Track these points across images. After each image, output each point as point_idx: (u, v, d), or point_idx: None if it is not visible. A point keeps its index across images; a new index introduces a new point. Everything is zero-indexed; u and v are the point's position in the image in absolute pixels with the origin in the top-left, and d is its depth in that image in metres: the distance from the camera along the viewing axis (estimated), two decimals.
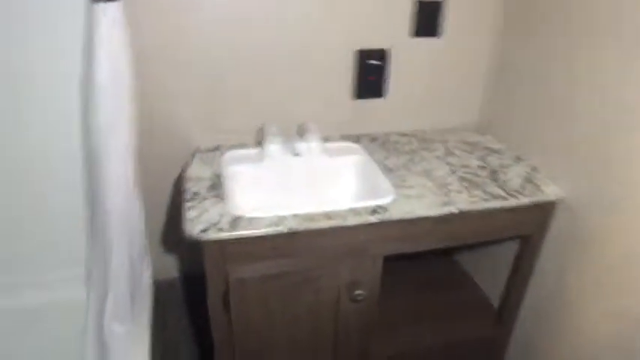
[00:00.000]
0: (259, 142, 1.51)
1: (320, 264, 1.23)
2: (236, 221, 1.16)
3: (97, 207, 1.35)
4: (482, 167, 1.44)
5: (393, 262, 1.74)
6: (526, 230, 1.39)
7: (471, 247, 1.79)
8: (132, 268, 1.41)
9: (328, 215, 1.18)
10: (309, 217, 1.17)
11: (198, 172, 1.37)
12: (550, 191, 1.32)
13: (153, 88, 1.39)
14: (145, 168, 1.41)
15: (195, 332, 1.76)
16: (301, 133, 1.50)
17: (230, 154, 1.46)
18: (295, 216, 1.18)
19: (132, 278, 1.41)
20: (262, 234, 1.14)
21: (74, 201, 1.49)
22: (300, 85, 1.49)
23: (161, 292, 1.65)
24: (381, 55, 1.51)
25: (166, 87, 1.41)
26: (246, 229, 1.13)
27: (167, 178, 1.53)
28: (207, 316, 1.27)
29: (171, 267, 1.72)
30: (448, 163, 1.45)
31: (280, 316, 1.29)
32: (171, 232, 1.63)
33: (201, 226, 1.14)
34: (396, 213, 1.20)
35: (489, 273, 1.69)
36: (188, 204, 1.23)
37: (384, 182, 1.32)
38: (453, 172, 1.40)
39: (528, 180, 1.37)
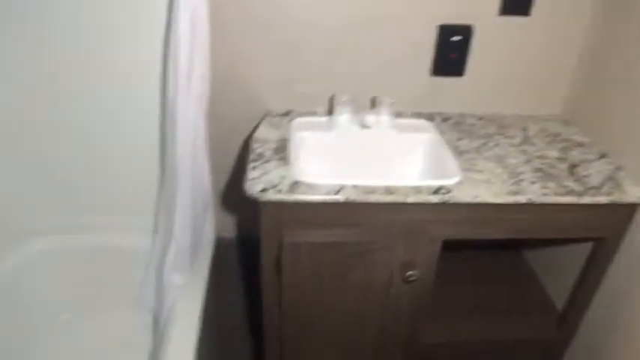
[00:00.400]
0: (330, 111, 1.50)
1: (375, 239, 1.21)
2: (296, 185, 1.16)
3: (166, 160, 1.39)
4: (562, 159, 1.34)
5: (456, 251, 1.71)
6: (601, 232, 1.29)
7: (540, 244, 1.70)
8: (195, 222, 1.45)
9: (389, 190, 1.15)
10: (369, 190, 1.15)
11: (265, 135, 1.38)
12: (633, 192, 1.22)
13: (231, 48, 1.41)
14: (215, 126, 1.45)
15: (247, 293, 1.80)
16: (373, 105, 1.47)
17: (299, 120, 1.45)
18: (355, 187, 1.16)
19: (194, 232, 1.46)
20: (320, 200, 1.13)
21: (150, 153, 1.55)
22: (377, 56, 1.46)
23: (220, 250, 1.70)
24: (464, 31, 1.44)
25: (244, 49, 1.42)
26: (305, 194, 1.13)
27: (236, 139, 1.55)
28: (260, 278, 1.30)
29: (232, 226, 1.76)
30: (524, 152, 1.37)
31: (330, 287, 1.29)
32: (234, 192, 1.66)
33: (261, 186, 1.15)
34: (460, 196, 1.15)
35: (557, 274, 1.60)
36: (252, 164, 1.24)
37: (451, 163, 1.27)
38: (528, 161, 1.32)
39: (610, 178, 1.27)
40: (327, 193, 1.14)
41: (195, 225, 1.46)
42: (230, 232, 1.76)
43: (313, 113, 1.50)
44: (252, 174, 1.20)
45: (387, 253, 1.22)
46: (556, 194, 1.18)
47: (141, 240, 1.65)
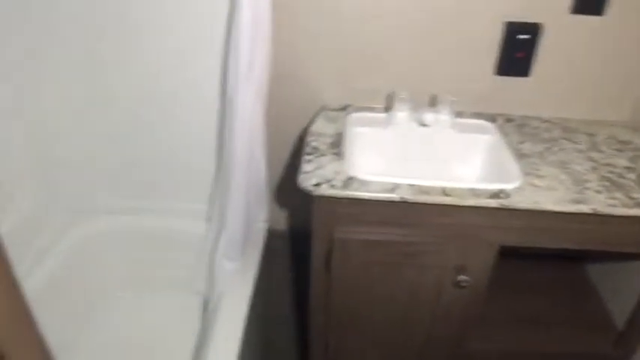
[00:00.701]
0: (388, 107, 1.47)
1: (428, 240, 1.19)
2: (350, 181, 1.14)
3: (223, 149, 1.41)
4: (631, 169, 1.27)
5: (513, 258, 1.65)
6: None
7: (604, 257, 1.62)
8: (248, 211, 1.46)
9: (445, 191, 1.13)
10: (425, 190, 1.13)
11: (321, 129, 1.38)
12: None
13: (290, 40, 1.41)
14: (272, 118, 1.45)
15: (295, 285, 1.80)
16: (433, 103, 1.44)
17: (356, 115, 1.44)
18: (411, 186, 1.14)
19: (247, 221, 1.47)
20: (373, 198, 1.12)
21: (211, 142, 1.57)
22: (439, 53, 1.42)
23: (271, 240, 1.71)
24: (533, 30, 1.38)
25: (303, 41, 1.41)
26: (358, 191, 1.12)
27: (292, 131, 1.56)
28: (308, 272, 1.29)
29: (283, 218, 1.76)
30: (590, 159, 1.30)
31: (379, 287, 1.27)
32: (288, 184, 1.67)
33: (314, 180, 1.14)
34: (520, 201, 1.11)
35: (619, 290, 1.51)
36: (306, 157, 1.24)
37: (512, 167, 1.23)
38: (595, 169, 1.26)
39: None
40: (382, 191, 1.12)
41: (248, 215, 1.48)
42: (281, 223, 1.77)
43: (371, 109, 1.48)
44: (306, 167, 1.20)
45: (440, 255, 1.20)
46: (624, 206, 1.12)
47: (198, 225, 1.68)
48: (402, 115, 1.38)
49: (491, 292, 1.29)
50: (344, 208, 1.16)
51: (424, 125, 1.37)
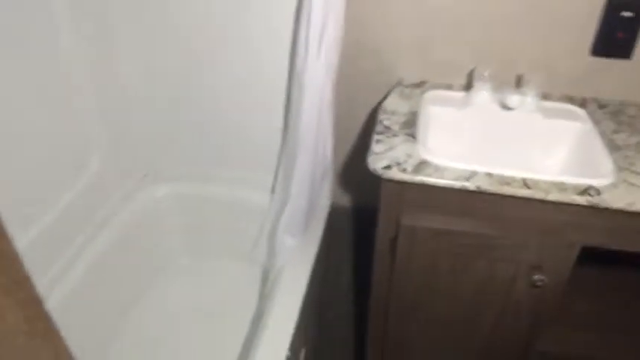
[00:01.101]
0: (468, 86, 1.37)
1: (504, 234, 1.10)
2: (422, 165, 1.07)
3: (290, 121, 1.37)
4: None
5: (597, 260, 1.51)
6: None
7: None
8: (312, 186, 1.42)
9: (527, 183, 1.03)
10: (504, 181, 1.04)
11: (395, 106, 1.30)
12: None
13: (365, 10, 1.32)
14: (343, 92, 1.39)
15: (357, 264, 1.77)
16: (518, 84, 1.32)
17: (433, 93, 1.35)
18: (488, 175, 1.05)
19: (310, 197, 1.44)
20: (447, 185, 1.04)
21: (279, 114, 1.53)
22: (529, 27, 1.29)
23: (334, 217, 1.67)
24: (638, 6, 1.23)
25: (379, 10, 1.33)
26: (431, 177, 1.05)
27: (363, 107, 1.49)
28: (371, 254, 1.25)
29: (348, 195, 1.71)
30: None
31: (444, 278, 1.20)
32: (355, 161, 1.61)
33: (384, 162, 1.08)
34: (612, 200, 1.00)
35: None
36: (377, 136, 1.17)
37: (605, 160, 1.11)
38: None
39: None
40: (457, 179, 1.04)
41: (313, 190, 1.44)
42: (346, 200, 1.72)
43: (449, 86, 1.38)
44: (376, 148, 1.13)
45: (515, 252, 1.11)
46: None
47: (263, 196, 1.66)
48: (483, 95, 1.27)
49: (566, 293, 1.19)
50: (414, 194, 1.09)
51: (507, 108, 1.26)
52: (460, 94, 1.34)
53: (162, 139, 1.66)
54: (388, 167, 1.07)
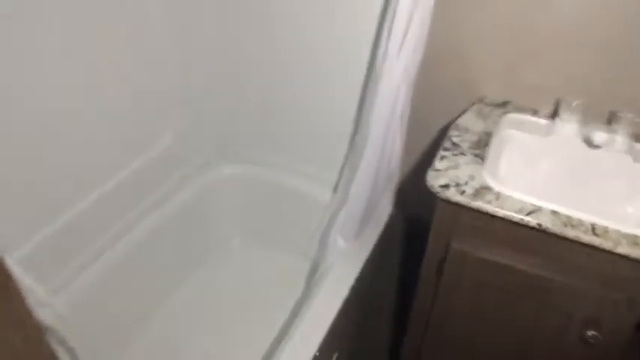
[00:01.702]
0: (554, 115, 1.26)
1: (560, 279, 1.01)
2: (483, 190, 1.01)
3: (361, 122, 1.34)
4: None
5: None
6: None
7: None
8: (372, 194, 1.39)
9: (595, 230, 0.94)
10: (570, 222, 0.95)
11: (469, 123, 1.23)
12: None
13: (452, 20, 1.26)
14: (420, 102, 1.34)
15: (404, 279, 1.71)
16: (609, 121, 1.21)
17: (513, 116, 1.26)
18: (554, 213, 0.97)
19: (368, 203, 1.41)
20: (505, 217, 0.97)
21: (351, 114, 1.51)
22: (632, 58, 1.16)
23: (394, 226, 1.62)
24: None
25: (467, 22, 1.26)
26: (489, 204, 0.98)
27: (439, 120, 1.42)
28: (418, 271, 1.20)
29: (408, 205, 1.65)
30: None
31: (488, 313, 1.13)
32: (419, 173, 1.55)
33: (443, 181, 1.03)
34: None
35: None
36: (442, 152, 1.12)
37: None
38: None
39: None
40: (518, 211, 0.97)
41: (372, 196, 1.40)
42: (404, 210, 1.66)
43: (533, 111, 1.28)
44: (438, 164, 1.08)
45: (570, 300, 1.02)
46: None
47: (324, 193, 1.65)
48: (568, 126, 1.18)
49: (623, 355, 1.07)
50: (469, 219, 1.03)
51: (592, 144, 1.15)
52: (543, 122, 1.24)
53: (237, 122, 1.69)
54: (446, 186, 1.02)
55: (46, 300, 0.96)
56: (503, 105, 1.31)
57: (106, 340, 1.41)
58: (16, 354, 0.34)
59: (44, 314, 1.20)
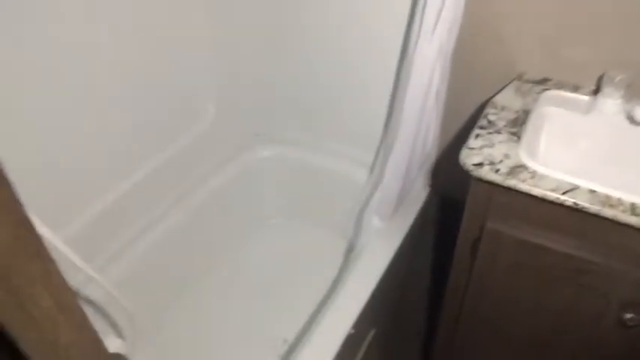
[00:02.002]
0: (595, 91, 1.22)
1: (598, 260, 0.98)
2: (518, 169, 0.99)
3: (395, 103, 1.33)
4: None
5: None
6: None
7: None
8: (407, 174, 1.39)
9: (635, 209, 0.90)
10: (609, 202, 0.92)
11: (506, 101, 1.20)
12: None
13: None
14: (456, 80, 1.32)
15: (440, 259, 1.70)
16: None
17: (553, 93, 1.22)
18: (592, 192, 0.94)
19: (404, 183, 1.40)
20: (541, 195, 0.95)
21: (387, 92, 1.50)
22: None
23: (431, 207, 1.61)
24: None
25: None
26: (524, 183, 0.96)
27: (476, 98, 1.39)
28: (453, 251, 1.19)
29: (443, 185, 1.63)
30: None
31: (524, 295, 1.11)
32: (454, 152, 1.53)
33: (477, 159, 1.01)
34: None
35: None
36: (477, 131, 1.10)
37: None
38: None
39: None
40: (553, 190, 0.94)
41: (407, 177, 1.40)
42: (440, 190, 1.64)
43: (574, 88, 1.24)
44: (472, 142, 1.06)
45: (607, 282, 0.99)
46: None
47: (361, 174, 1.65)
48: (610, 103, 1.13)
49: None
50: (504, 198, 1.01)
51: (636, 122, 1.10)
52: (585, 98, 1.20)
53: (277, 103, 1.71)
54: (480, 165, 1.00)
55: (92, 276, 1.00)
56: (543, 82, 1.27)
57: (147, 313, 1.47)
58: (50, 317, 0.36)
59: (90, 290, 1.27)
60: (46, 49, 1.10)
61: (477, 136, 1.08)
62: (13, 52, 1.04)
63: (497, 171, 0.99)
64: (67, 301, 0.34)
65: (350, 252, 1.66)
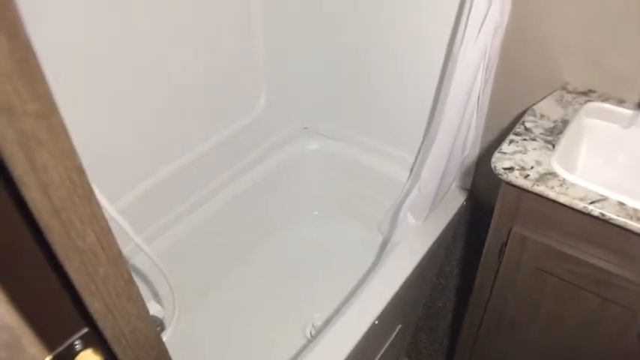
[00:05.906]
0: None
1: (624, 274, 0.98)
2: (547, 176, 1.00)
3: (438, 105, 1.36)
4: None
5: None
6: None
7: None
8: (445, 175, 1.41)
9: None
10: (637, 214, 0.93)
11: (546, 110, 1.22)
12: None
13: (535, 5, 1.23)
14: (500, 86, 1.34)
15: (468, 260, 1.71)
16: None
17: (595, 105, 1.22)
18: (620, 204, 0.94)
19: (441, 184, 1.43)
20: (567, 204, 0.96)
21: (432, 94, 1.53)
22: None
23: (468, 208, 1.63)
24: None
25: (551, 5, 1.22)
26: (552, 190, 0.98)
27: (518, 105, 1.40)
28: (480, 254, 1.21)
29: (480, 188, 1.64)
30: None
31: (548, 301, 1.12)
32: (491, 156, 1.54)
33: (508, 164, 1.04)
34: None
35: None
36: (512, 136, 1.12)
37: None
38: None
39: None
40: (581, 199, 0.96)
41: (445, 177, 1.43)
42: (478, 192, 1.65)
43: (619, 101, 1.23)
44: (506, 147, 1.09)
45: (634, 297, 0.99)
46: None
47: (402, 174, 1.70)
48: None
49: None
50: (532, 204, 1.03)
51: None
52: (628, 112, 1.18)
53: (325, 99, 1.77)
54: (510, 169, 1.02)
55: (140, 245, 1.09)
56: (588, 93, 1.27)
57: (186, 290, 1.57)
58: (92, 251, 0.42)
59: (140, 261, 1.37)
60: (122, 37, 1.21)
61: (511, 141, 1.11)
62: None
63: (526, 176, 1.01)
64: (108, 242, 0.41)
65: (384, 248, 1.71)
